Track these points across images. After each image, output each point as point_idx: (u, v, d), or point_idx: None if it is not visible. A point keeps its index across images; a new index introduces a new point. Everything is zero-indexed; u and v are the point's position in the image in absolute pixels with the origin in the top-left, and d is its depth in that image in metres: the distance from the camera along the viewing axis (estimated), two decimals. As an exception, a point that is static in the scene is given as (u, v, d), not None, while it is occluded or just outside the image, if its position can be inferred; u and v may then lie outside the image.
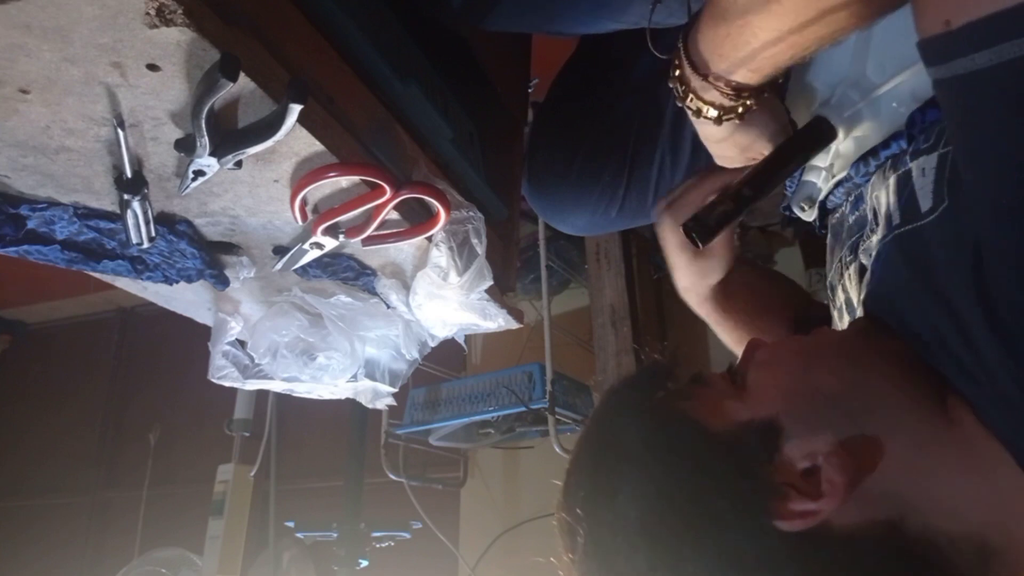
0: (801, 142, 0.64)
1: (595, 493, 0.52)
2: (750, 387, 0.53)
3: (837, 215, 0.70)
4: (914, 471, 0.47)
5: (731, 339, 0.82)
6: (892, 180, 0.57)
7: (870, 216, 0.61)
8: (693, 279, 0.79)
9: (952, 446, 0.47)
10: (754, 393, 0.52)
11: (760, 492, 0.46)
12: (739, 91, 0.56)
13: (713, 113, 0.59)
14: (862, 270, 0.63)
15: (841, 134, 0.63)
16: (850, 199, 0.68)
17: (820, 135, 0.63)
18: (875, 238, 0.59)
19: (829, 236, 0.72)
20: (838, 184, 0.67)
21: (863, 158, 0.63)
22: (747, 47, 0.51)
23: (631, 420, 0.54)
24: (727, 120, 0.59)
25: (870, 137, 0.62)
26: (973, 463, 0.46)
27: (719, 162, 0.69)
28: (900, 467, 0.46)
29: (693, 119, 0.62)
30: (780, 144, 0.63)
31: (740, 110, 0.58)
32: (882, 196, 0.58)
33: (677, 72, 0.59)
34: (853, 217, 0.66)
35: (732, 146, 0.65)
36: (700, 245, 0.65)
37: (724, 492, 0.47)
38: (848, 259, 0.66)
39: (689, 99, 0.59)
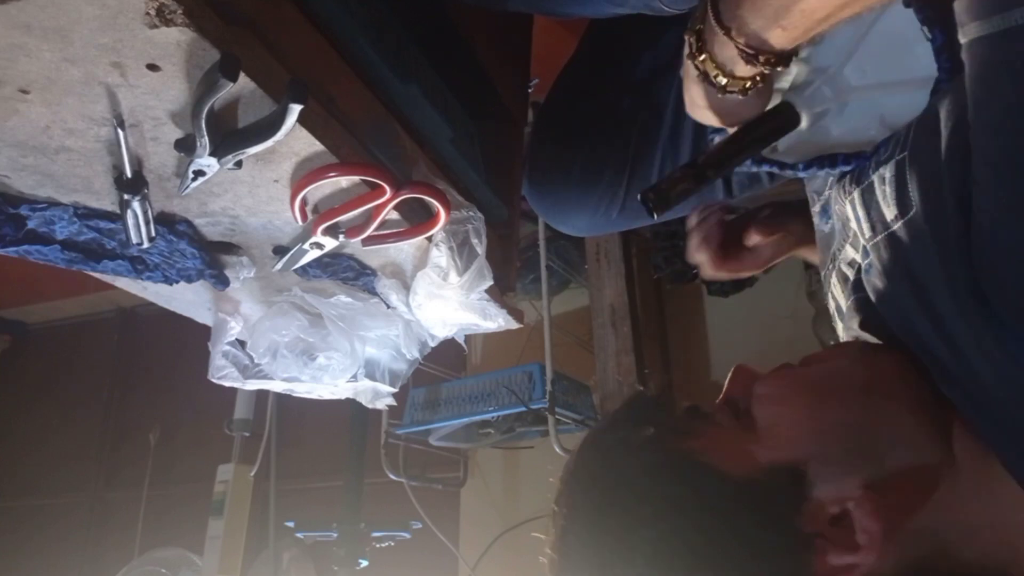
0: (766, 125, 0.61)
1: (602, 543, 0.47)
2: (761, 426, 0.49)
3: (825, 229, 0.70)
4: (941, 502, 0.44)
5: None
6: (856, 194, 0.56)
7: (838, 226, 0.60)
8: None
9: (963, 465, 0.45)
10: (769, 432, 0.48)
11: (793, 546, 0.43)
12: (758, 55, 0.51)
13: (723, 80, 0.54)
14: (843, 277, 0.62)
15: (804, 123, 0.61)
16: (816, 208, 0.67)
17: (785, 121, 0.61)
18: (848, 249, 0.59)
19: (819, 244, 0.72)
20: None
21: (817, 160, 0.61)
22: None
23: (639, 459, 0.49)
24: (730, 92, 0.55)
25: (827, 141, 0.60)
26: (980, 480, 0.45)
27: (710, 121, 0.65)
28: (929, 501, 0.44)
29: (694, 84, 0.58)
30: (745, 125, 0.60)
31: (748, 85, 0.54)
32: (848, 211, 0.57)
33: (698, 25, 0.55)
34: (828, 226, 0.66)
35: (725, 116, 0.61)
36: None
37: (755, 547, 0.44)
38: (829, 267, 0.65)
39: (701, 57, 0.55)
